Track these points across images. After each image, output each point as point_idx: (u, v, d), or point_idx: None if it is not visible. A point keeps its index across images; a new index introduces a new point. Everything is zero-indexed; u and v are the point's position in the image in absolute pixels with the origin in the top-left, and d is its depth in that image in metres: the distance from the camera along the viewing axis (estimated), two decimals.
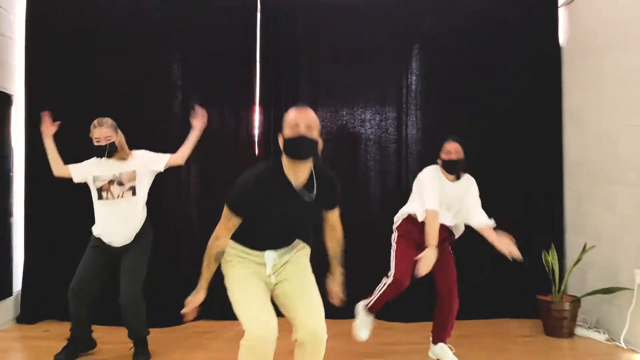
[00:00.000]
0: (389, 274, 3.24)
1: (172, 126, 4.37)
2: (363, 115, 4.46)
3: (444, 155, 3.24)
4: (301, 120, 2.16)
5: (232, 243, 2.35)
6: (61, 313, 4.14)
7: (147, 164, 3.38)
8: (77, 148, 3.84)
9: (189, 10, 4.42)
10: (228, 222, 2.24)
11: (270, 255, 2.34)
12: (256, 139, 4.46)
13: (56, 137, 4.20)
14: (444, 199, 3.20)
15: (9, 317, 4.12)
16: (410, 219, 3.29)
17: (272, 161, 2.29)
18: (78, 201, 4.05)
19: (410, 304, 4.03)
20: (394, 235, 3.35)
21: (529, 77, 4.39)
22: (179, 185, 4.36)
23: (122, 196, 3.26)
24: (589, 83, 4.01)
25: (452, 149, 3.22)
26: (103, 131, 3.22)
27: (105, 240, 3.26)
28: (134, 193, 3.30)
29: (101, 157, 3.26)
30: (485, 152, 4.30)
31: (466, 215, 3.28)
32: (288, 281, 2.37)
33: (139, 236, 3.29)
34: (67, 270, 4.16)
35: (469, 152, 4.02)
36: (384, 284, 3.27)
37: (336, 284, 2.53)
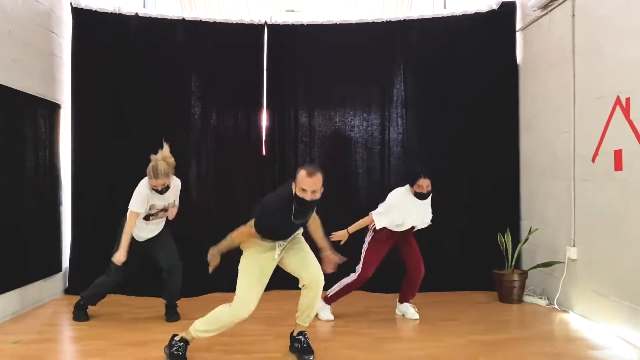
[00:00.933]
0: (357, 268, 4.05)
1: (192, 130, 5.19)
2: (353, 122, 5.30)
3: (417, 189, 3.92)
4: (309, 187, 2.90)
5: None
6: None
7: (175, 197, 4.09)
8: (113, 148, 4.70)
9: (207, 31, 5.21)
10: (251, 232, 3.10)
11: (280, 244, 3.20)
12: (263, 139, 5.28)
13: (95, 140, 5.02)
14: (413, 212, 3.99)
15: (59, 289, 4.95)
16: (388, 231, 4.02)
17: (288, 197, 3.01)
18: (115, 193, 4.90)
19: (391, 279, 4.86)
20: (369, 235, 4.09)
21: (492, 90, 5.15)
22: (200, 180, 5.16)
23: (162, 217, 4.07)
24: (538, 96, 4.84)
25: (424, 185, 3.92)
26: (159, 182, 3.76)
27: (137, 237, 4.01)
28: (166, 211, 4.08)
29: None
30: (456, 154, 5.13)
31: (421, 219, 4.11)
32: (291, 250, 3.26)
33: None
34: (106, 251, 5.00)
35: (442, 155, 4.87)
36: (351, 279, 4.07)
37: (328, 253, 3.30)
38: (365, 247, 4.10)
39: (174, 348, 3.16)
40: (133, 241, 3.94)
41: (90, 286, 4.18)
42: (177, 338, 3.20)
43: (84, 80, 5.03)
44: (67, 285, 5.03)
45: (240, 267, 3.18)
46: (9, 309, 4.13)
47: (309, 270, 3.21)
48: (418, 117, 5.28)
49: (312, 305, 3.25)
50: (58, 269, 4.90)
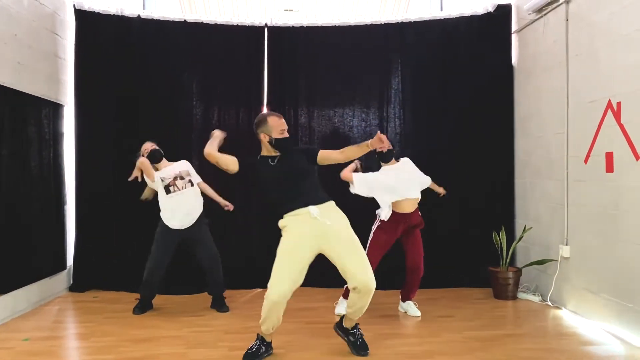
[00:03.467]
0: None
1: (194, 130, 5.27)
2: (351, 122, 5.41)
3: (378, 150, 4.10)
4: (284, 126, 3.27)
5: (285, 216, 3.19)
6: (106, 283, 5.09)
7: (192, 171, 4.39)
8: (116, 148, 4.77)
9: (208, 33, 5.29)
10: (228, 157, 3.36)
11: (313, 208, 3.12)
12: None
13: (98, 140, 5.10)
14: (387, 180, 4.12)
15: (63, 287, 5.04)
16: (395, 213, 4.15)
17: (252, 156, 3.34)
18: (118, 192, 4.98)
19: (390, 277, 4.97)
20: (376, 223, 4.25)
21: (488, 91, 5.25)
22: (202, 179, 5.23)
23: (185, 187, 4.23)
24: (532, 98, 4.96)
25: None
26: (146, 145, 4.35)
27: (172, 225, 4.19)
28: (192, 184, 4.29)
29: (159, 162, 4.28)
30: (452, 154, 5.24)
31: (418, 184, 4.24)
32: (337, 240, 3.10)
33: (199, 220, 4.28)
34: (110, 249, 5.11)
35: (439, 155, 4.96)
36: None
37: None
38: (370, 236, 4.21)
39: (254, 346, 3.28)
40: (167, 230, 4.18)
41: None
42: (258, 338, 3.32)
43: (87, 81, 5.09)
44: (72, 282, 5.11)
45: (277, 254, 3.15)
46: (17, 307, 4.22)
47: (359, 271, 3.06)
48: (415, 117, 5.38)
49: (364, 307, 3.22)
50: (62, 267, 4.99)
